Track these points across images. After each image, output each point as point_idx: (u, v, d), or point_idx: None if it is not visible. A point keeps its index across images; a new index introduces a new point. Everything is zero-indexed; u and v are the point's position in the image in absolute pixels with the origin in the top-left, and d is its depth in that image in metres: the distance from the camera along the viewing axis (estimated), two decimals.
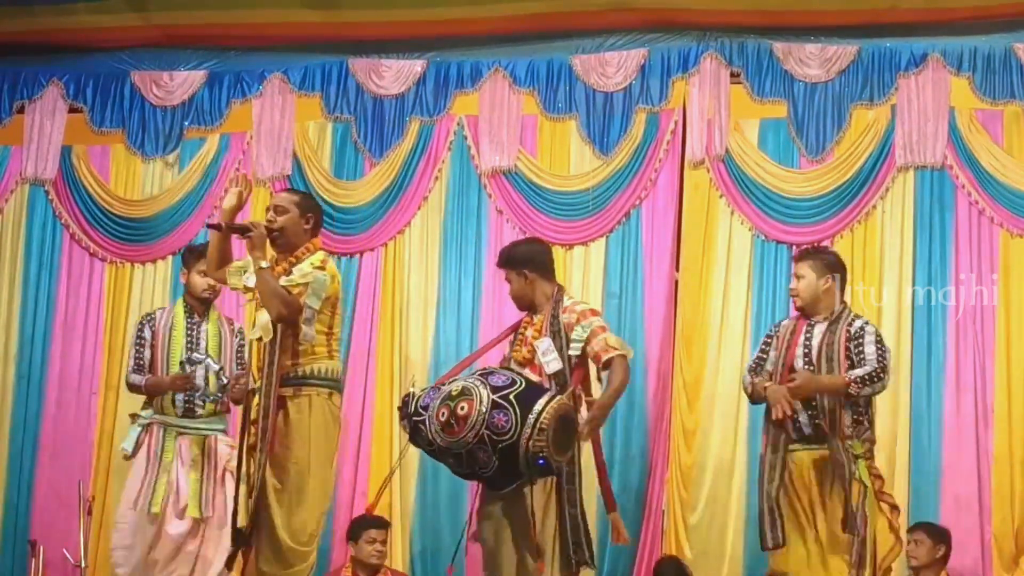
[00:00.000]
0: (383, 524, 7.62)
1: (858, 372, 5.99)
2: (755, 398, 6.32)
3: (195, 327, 7.03)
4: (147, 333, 7.12)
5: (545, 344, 5.97)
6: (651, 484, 8.10)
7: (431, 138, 8.66)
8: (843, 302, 6.33)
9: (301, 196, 6.00)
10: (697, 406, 8.07)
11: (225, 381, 6.90)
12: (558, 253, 8.37)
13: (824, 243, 8.01)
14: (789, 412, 6.02)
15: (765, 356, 6.33)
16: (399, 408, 5.82)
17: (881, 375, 6.02)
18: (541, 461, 5.63)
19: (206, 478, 6.88)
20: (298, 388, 5.58)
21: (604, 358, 5.88)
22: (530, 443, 5.56)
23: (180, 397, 6.93)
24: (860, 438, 6.06)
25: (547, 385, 5.82)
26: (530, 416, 5.55)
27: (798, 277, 6.30)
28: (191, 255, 7.07)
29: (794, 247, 8.10)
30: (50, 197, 9.05)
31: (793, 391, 6.00)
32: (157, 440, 6.90)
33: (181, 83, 8.98)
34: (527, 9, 8.41)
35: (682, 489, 8.01)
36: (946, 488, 7.72)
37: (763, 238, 8.18)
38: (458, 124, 8.65)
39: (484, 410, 5.57)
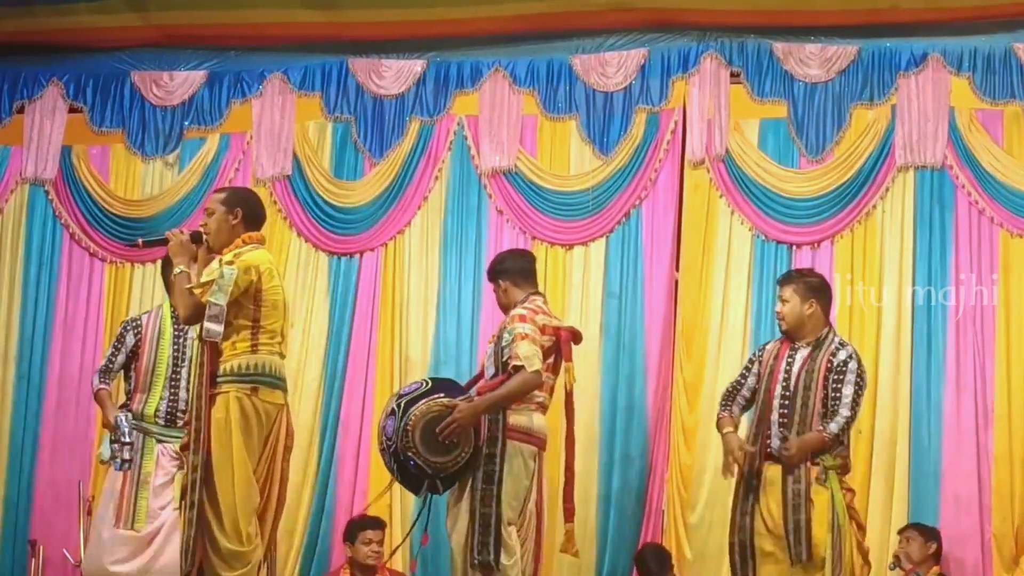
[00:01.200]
0: (379, 525, 7.62)
1: (833, 428, 6.16)
2: (719, 429, 6.50)
3: (182, 335, 6.94)
4: (129, 339, 7.01)
5: (489, 350, 6.25)
6: (651, 484, 8.10)
7: (431, 138, 8.66)
8: (828, 324, 6.44)
9: (228, 192, 6.02)
10: (697, 406, 8.07)
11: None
12: (558, 253, 8.40)
13: (823, 242, 8.04)
14: (735, 473, 6.24)
15: (744, 381, 6.50)
16: None
17: (851, 422, 6.23)
18: (411, 463, 5.88)
19: None
20: (219, 386, 5.54)
21: (510, 367, 6.02)
22: (399, 446, 5.85)
23: (164, 406, 6.86)
24: (832, 452, 6.21)
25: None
26: (403, 420, 5.82)
27: (783, 301, 6.44)
28: (167, 262, 6.80)
29: (794, 247, 8.12)
30: (50, 197, 9.05)
31: (788, 461, 6.14)
32: (136, 448, 6.77)
33: (181, 83, 8.98)
34: (527, 9, 8.41)
35: (682, 489, 8.01)
36: (946, 488, 7.72)
37: (763, 238, 8.18)
38: (458, 124, 8.65)
39: (383, 417, 5.96)
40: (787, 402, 6.24)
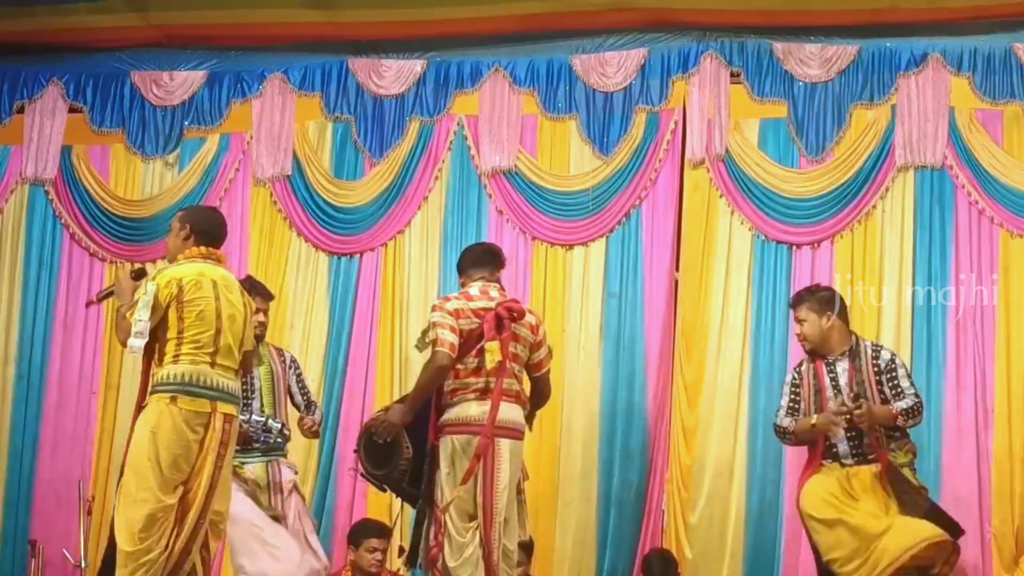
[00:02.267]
0: (385, 533, 7.60)
1: (902, 405, 6.23)
2: (801, 436, 6.41)
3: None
4: None
5: None
6: (651, 483, 8.10)
7: (431, 138, 8.66)
8: (853, 333, 6.46)
9: (183, 211, 6.19)
10: (697, 406, 8.07)
11: (279, 426, 6.84)
12: (558, 253, 8.41)
13: (823, 242, 8.04)
14: (843, 423, 6.21)
15: (796, 402, 6.44)
16: None
17: (921, 408, 6.30)
18: (361, 474, 6.08)
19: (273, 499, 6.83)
20: (148, 397, 5.70)
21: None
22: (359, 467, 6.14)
23: None
24: (903, 449, 6.29)
25: None
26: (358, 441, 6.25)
27: (800, 322, 6.47)
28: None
29: (794, 247, 8.12)
30: (50, 197, 9.05)
31: (858, 419, 6.14)
32: None
33: (181, 83, 8.99)
34: (527, 9, 8.41)
35: (682, 488, 8.01)
36: (946, 488, 7.71)
37: (763, 238, 8.18)
38: (458, 124, 8.65)
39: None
40: (846, 416, 6.23)
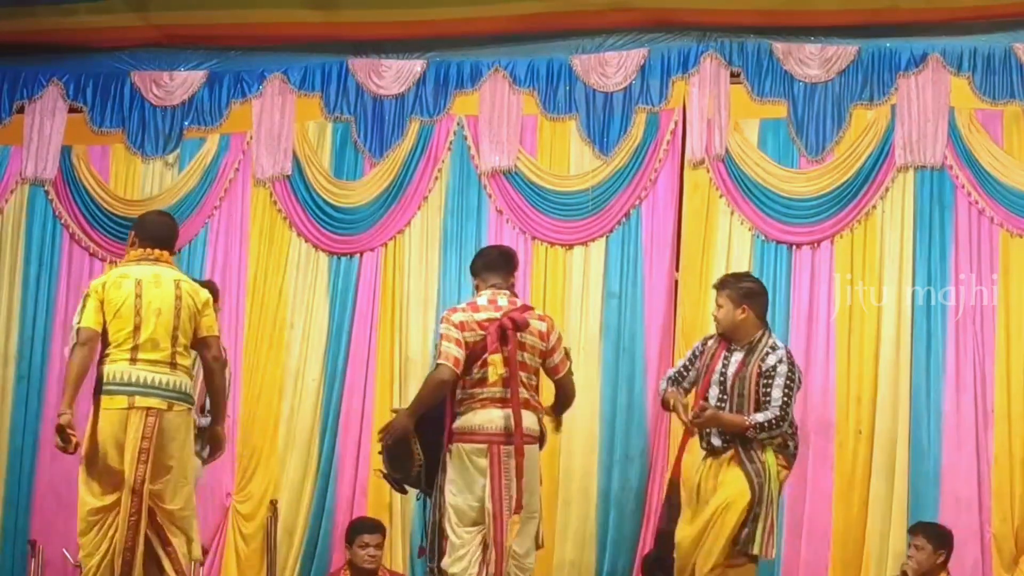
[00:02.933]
0: (377, 529, 7.62)
1: (758, 418, 6.19)
2: (664, 405, 6.62)
3: None
4: None
5: None
6: (651, 484, 8.10)
7: (431, 138, 8.66)
8: (762, 327, 6.42)
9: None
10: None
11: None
12: (558, 253, 8.41)
13: (823, 242, 8.04)
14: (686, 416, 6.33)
15: (687, 372, 6.53)
16: None
17: (779, 424, 6.22)
18: (383, 475, 6.30)
19: None
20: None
21: None
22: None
23: None
24: (772, 446, 6.27)
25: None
26: None
27: (718, 306, 6.48)
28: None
29: (794, 247, 8.12)
30: (50, 197, 9.05)
31: (694, 418, 6.28)
32: None
33: (181, 83, 8.98)
34: (527, 9, 8.40)
35: (682, 489, 7.99)
36: (946, 488, 7.72)
37: (763, 238, 8.18)
38: (458, 124, 8.65)
39: None
40: (722, 405, 6.27)
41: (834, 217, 8.08)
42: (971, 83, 8.02)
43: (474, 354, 5.99)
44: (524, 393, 6.02)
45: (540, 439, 6.17)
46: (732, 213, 8.22)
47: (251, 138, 8.85)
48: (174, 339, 5.77)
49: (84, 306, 5.85)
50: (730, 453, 6.25)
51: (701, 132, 8.26)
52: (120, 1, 8.70)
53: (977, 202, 7.94)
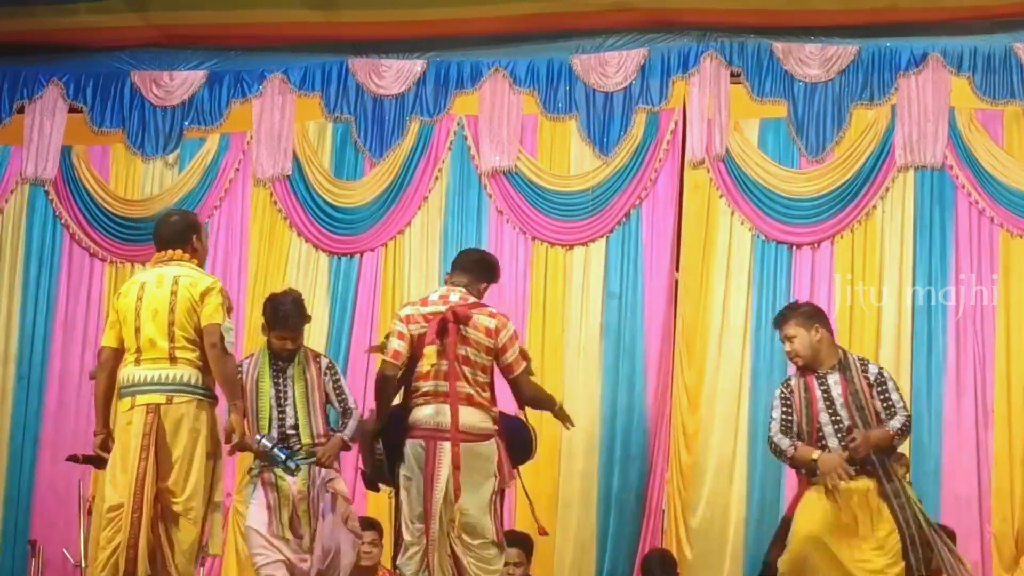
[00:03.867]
0: (372, 526, 7.62)
1: (895, 424, 6.09)
2: (797, 463, 6.26)
3: (281, 376, 6.84)
4: None
5: None
6: (651, 484, 8.10)
7: (431, 138, 8.66)
8: (840, 347, 6.36)
9: None
10: (698, 407, 8.07)
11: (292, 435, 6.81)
12: (558, 253, 8.41)
13: (823, 242, 8.04)
14: (847, 479, 6.02)
15: (789, 415, 6.27)
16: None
17: (910, 424, 6.18)
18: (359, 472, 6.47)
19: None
20: None
21: None
22: None
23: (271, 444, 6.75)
24: (899, 463, 6.17)
25: None
26: None
27: (789, 339, 6.29)
28: (273, 322, 6.85)
29: (794, 247, 8.12)
30: (50, 197, 9.05)
31: (853, 452, 6.03)
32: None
33: (181, 83, 8.98)
34: (527, 9, 8.40)
35: (682, 489, 8.01)
36: (946, 488, 7.72)
37: (763, 238, 8.18)
38: (458, 124, 8.65)
39: None
40: (839, 428, 6.11)
41: (834, 217, 8.09)
42: (971, 83, 8.02)
43: (419, 348, 5.95)
44: (467, 388, 5.91)
45: (501, 436, 5.98)
46: (732, 213, 8.23)
47: (251, 138, 8.85)
48: (171, 335, 5.81)
49: (106, 322, 6.09)
50: (874, 486, 6.06)
51: (701, 132, 8.26)
52: (120, 1, 8.69)
53: (977, 202, 7.94)
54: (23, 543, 8.49)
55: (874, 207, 8.07)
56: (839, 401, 6.16)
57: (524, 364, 6.05)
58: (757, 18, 8.30)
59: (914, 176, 8.05)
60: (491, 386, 6.00)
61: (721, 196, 8.25)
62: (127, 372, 5.86)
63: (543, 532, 6.69)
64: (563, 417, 6.44)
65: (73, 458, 6.93)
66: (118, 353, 5.91)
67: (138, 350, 5.83)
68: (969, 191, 7.96)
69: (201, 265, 6.04)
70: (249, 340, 8.63)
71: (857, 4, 8.16)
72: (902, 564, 5.96)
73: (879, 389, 6.17)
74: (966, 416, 7.77)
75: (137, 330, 5.83)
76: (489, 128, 8.55)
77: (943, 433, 7.79)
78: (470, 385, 5.92)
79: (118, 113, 9.05)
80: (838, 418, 6.14)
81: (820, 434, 6.13)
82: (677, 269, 8.30)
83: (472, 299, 6.05)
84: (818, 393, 6.19)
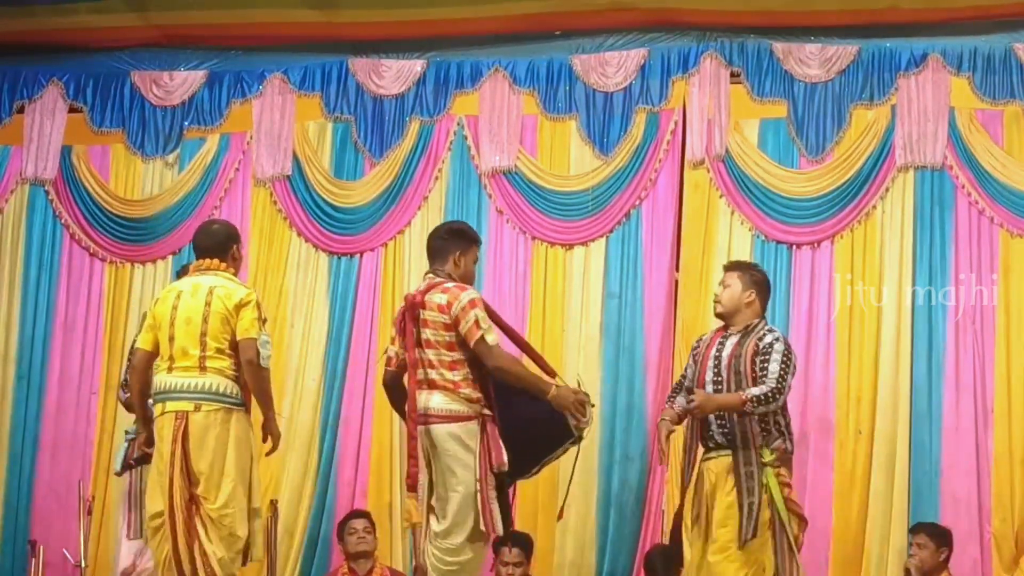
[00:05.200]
0: (361, 515, 7.76)
1: (754, 391, 6.10)
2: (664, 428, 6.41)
3: None
4: None
5: None
6: (651, 484, 8.10)
7: (431, 138, 8.66)
8: (762, 318, 6.36)
9: None
10: None
11: None
12: (558, 253, 8.42)
13: (823, 242, 8.04)
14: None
15: (686, 372, 6.49)
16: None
17: (776, 397, 6.13)
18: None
19: None
20: None
21: None
22: None
23: None
24: (770, 446, 6.15)
25: None
26: None
27: (724, 285, 6.38)
28: None
29: (794, 247, 8.12)
30: (50, 197, 9.05)
31: (694, 412, 6.21)
32: None
33: (181, 83, 8.98)
34: (527, 9, 8.41)
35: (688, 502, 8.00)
36: (946, 488, 7.72)
37: (763, 238, 8.18)
38: (458, 124, 8.66)
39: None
40: (719, 388, 6.19)
41: (834, 217, 8.09)
42: (971, 83, 8.02)
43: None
44: (431, 373, 5.83)
45: (493, 420, 5.83)
46: (732, 213, 8.23)
47: (251, 138, 8.85)
48: (203, 344, 5.92)
49: (140, 326, 6.23)
50: (727, 464, 6.15)
51: (701, 132, 8.26)
52: (120, 1, 8.69)
53: (977, 202, 7.94)
54: (23, 543, 8.49)
55: (874, 207, 8.07)
56: (724, 362, 6.21)
57: (479, 333, 5.78)
58: (757, 18, 8.31)
59: (914, 176, 8.05)
60: (465, 363, 5.82)
61: (721, 196, 8.25)
62: (160, 379, 5.98)
63: (560, 516, 6.69)
64: (567, 405, 5.94)
65: (128, 466, 6.86)
66: (151, 356, 6.05)
67: (171, 357, 5.96)
68: (969, 191, 7.96)
69: (236, 274, 6.16)
70: None
71: (857, 4, 8.16)
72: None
73: (762, 357, 6.16)
74: (965, 416, 7.77)
75: (171, 338, 5.95)
76: (489, 128, 8.55)
77: (943, 433, 7.79)
78: (435, 369, 5.84)
79: (118, 113, 9.05)
80: (720, 378, 6.20)
81: (691, 399, 6.23)
82: (677, 269, 8.30)
83: (438, 280, 5.94)
84: (712, 350, 6.29)
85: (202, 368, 5.90)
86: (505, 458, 5.78)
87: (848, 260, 8.04)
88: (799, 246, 8.13)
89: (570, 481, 6.37)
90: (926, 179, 8.03)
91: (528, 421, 5.90)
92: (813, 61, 8.24)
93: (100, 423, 8.73)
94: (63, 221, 9.04)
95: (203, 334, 5.91)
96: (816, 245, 8.11)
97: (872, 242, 8.05)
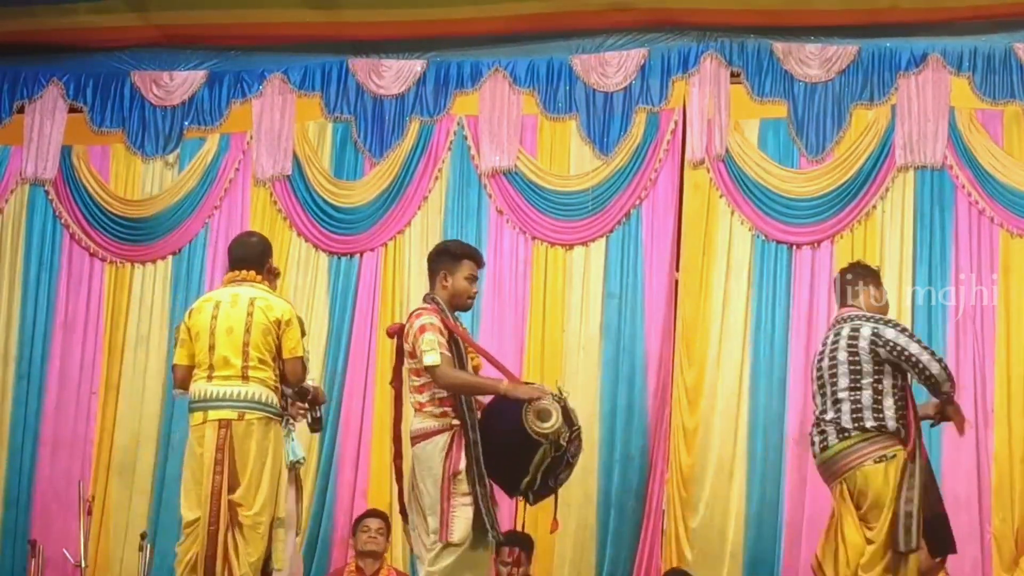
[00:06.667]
0: (377, 514, 7.74)
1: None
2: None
3: None
4: None
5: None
6: (651, 484, 8.10)
7: (431, 138, 8.66)
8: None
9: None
10: (698, 406, 8.07)
11: None
12: (558, 253, 8.41)
13: (823, 242, 8.05)
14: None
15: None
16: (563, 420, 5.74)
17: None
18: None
19: None
20: None
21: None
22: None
23: None
24: None
25: None
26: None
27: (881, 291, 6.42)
28: None
29: (794, 247, 8.12)
30: (50, 197, 9.05)
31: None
32: None
33: (181, 83, 8.99)
34: (527, 9, 8.41)
35: (682, 489, 8.01)
36: (946, 488, 7.68)
37: (763, 238, 8.18)
38: (458, 124, 8.66)
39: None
40: None
41: (834, 217, 8.09)
42: (971, 83, 8.02)
43: None
44: (410, 398, 5.88)
45: (447, 429, 5.76)
46: (732, 213, 8.23)
47: (251, 138, 8.85)
48: (245, 354, 6.01)
49: (176, 341, 6.25)
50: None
51: (701, 132, 8.26)
52: (120, 1, 8.70)
53: (977, 202, 7.94)
54: (23, 543, 8.49)
55: (874, 207, 8.07)
56: None
57: (421, 356, 5.74)
58: (757, 18, 8.31)
59: (914, 176, 8.05)
60: (432, 384, 5.77)
61: (721, 196, 8.25)
62: (199, 387, 6.04)
63: (554, 528, 6.40)
64: (519, 394, 5.76)
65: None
66: (191, 370, 6.11)
67: (210, 367, 6.03)
68: (969, 191, 7.96)
69: (274, 288, 6.30)
70: None
71: (857, 4, 8.16)
72: None
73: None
74: (966, 415, 7.75)
75: (211, 347, 6.02)
76: (489, 128, 8.55)
77: (943, 433, 7.76)
78: (411, 394, 5.89)
79: (118, 113, 9.05)
80: None
81: None
82: (677, 269, 8.30)
83: (418, 308, 5.96)
84: None
85: (244, 377, 5.99)
86: (462, 465, 5.72)
87: (848, 260, 8.01)
88: (799, 246, 8.13)
89: (556, 492, 6.28)
90: (926, 179, 8.04)
91: (503, 434, 5.80)
92: (813, 61, 8.24)
93: (100, 422, 8.73)
94: (63, 221, 9.04)
95: (246, 344, 6.00)
96: (816, 245, 8.12)
97: (872, 242, 8.05)
